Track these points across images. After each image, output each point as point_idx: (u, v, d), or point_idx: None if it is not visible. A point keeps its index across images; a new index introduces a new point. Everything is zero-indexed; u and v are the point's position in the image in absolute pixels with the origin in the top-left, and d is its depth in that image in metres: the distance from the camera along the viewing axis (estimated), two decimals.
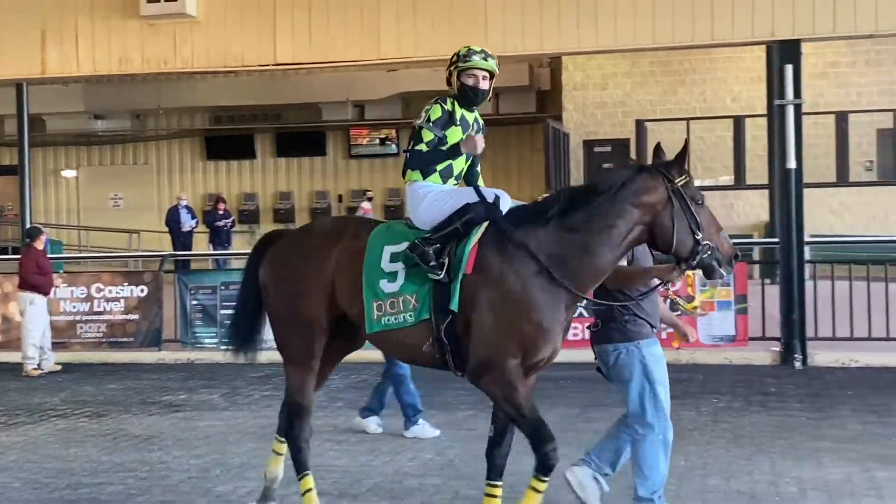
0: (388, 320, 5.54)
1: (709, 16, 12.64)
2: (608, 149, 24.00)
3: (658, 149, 5.54)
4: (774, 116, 12.69)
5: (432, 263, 5.42)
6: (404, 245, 5.58)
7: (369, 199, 24.72)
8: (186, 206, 21.88)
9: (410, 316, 5.51)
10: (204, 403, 10.65)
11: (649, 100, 23.67)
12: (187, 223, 21.29)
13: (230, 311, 13.48)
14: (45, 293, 13.45)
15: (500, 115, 26.73)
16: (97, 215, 28.50)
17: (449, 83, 6.11)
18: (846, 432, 8.50)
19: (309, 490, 6.11)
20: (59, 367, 13.32)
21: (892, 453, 7.68)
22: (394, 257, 5.59)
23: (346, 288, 5.66)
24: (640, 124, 21.18)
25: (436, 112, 5.97)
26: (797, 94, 12.44)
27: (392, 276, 5.56)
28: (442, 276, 5.39)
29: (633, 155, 22.68)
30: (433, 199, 5.72)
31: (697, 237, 5.27)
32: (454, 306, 5.37)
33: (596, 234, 5.31)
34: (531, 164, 26.57)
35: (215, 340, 13.97)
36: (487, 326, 5.35)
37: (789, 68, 12.45)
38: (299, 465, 6.09)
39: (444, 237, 5.50)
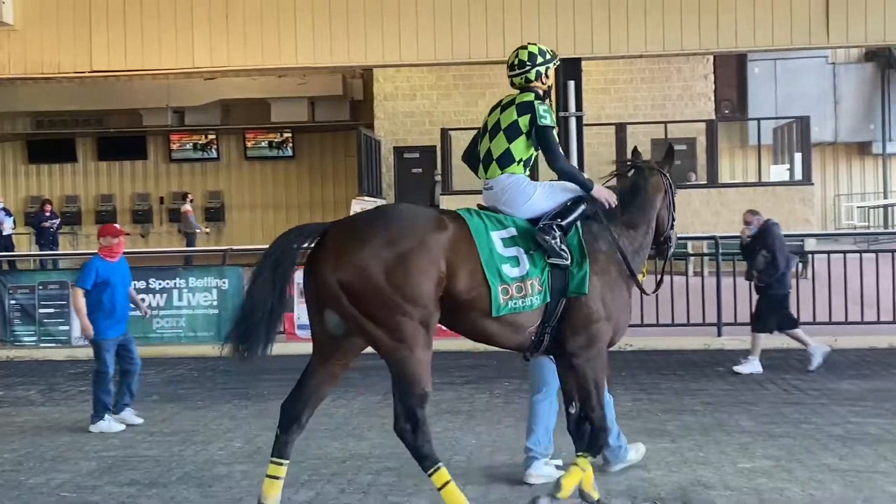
0: (516, 304, 5.41)
1: (501, 34, 12.94)
2: (416, 155, 24.36)
3: (636, 150, 6.26)
4: (560, 127, 13.09)
5: (561, 248, 5.47)
6: (512, 231, 5.52)
7: (190, 201, 24.25)
8: (4, 209, 20.83)
9: (536, 299, 5.46)
10: (21, 399, 10.18)
11: (454, 110, 24.11)
12: (6, 225, 20.27)
13: (64, 311, 13.07)
14: None
15: (315, 123, 26.69)
16: None
17: (535, 80, 5.93)
18: (618, 409, 8.76)
19: (448, 482, 5.36)
20: None
21: (657, 427, 8.03)
22: (506, 242, 5.47)
23: (463, 273, 5.30)
24: (444, 133, 21.43)
25: (551, 111, 5.95)
26: (578, 107, 12.91)
27: (514, 261, 5.43)
28: (566, 260, 5.49)
29: (439, 160, 22.99)
30: (546, 191, 5.75)
31: (674, 224, 6.08)
32: (585, 290, 5.52)
33: (643, 233, 5.93)
34: (345, 168, 26.64)
35: (34, 338, 13.39)
36: (595, 311, 5.57)
37: (571, 84, 12.91)
38: (430, 459, 5.32)
39: (566, 225, 5.57)
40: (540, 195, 5.71)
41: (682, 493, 6.19)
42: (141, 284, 13.20)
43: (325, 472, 6.84)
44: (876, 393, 9.32)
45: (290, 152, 27.46)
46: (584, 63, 13.46)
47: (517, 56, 5.97)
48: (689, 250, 17.72)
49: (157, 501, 6.27)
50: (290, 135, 27.27)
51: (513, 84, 5.99)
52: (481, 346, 12.30)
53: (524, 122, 5.74)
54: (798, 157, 20.83)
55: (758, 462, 6.87)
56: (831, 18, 12.44)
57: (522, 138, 5.75)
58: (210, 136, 27.53)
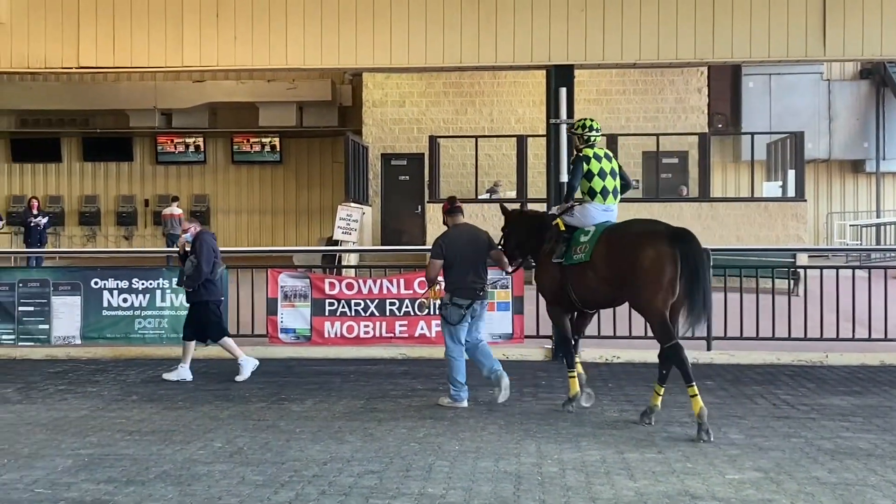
0: None
1: (493, 40, 12.93)
2: (404, 162, 24.36)
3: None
4: (551, 135, 13.05)
5: None
6: None
7: (178, 204, 24.18)
8: None
9: None
10: None
11: (442, 118, 24.13)
12: None
13: (44, 309, 12.95)
14: None
15: (304, 128, 26.68)
16: None
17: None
18: (604, 419, 8.82)
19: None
20: None
21: (642, 437, 8.01)
22: None
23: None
24: (433, 140, 21.46)
25: None
26: (570, 114, 12.88)
27: None
28: None
29: (426, 168, 22.98)
30: None
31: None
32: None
33: None
34: (332, 174, 26.64)
35: (12, 337, 13.26)
36: None
37: (563, 91, 12.89)
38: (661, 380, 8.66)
39: None
40: None
41: (669, 502, 6.16)
42: (124, 284, 13.14)
43: (306, 474, 6.78)
44: (866, 409, 9.31)
45: (277, 157, 27.43)
46: (576, 73, 13.44)
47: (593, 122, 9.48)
48: None
49: (135, 498, 6.21)
50: (277, 139, 27.25)
51: (591, 141, 9.34)
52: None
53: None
54: (791, 173, 20.87)
55: (746, 474, 6.85)
56: (828, 32, 12.48)
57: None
58: (197, 139, 27.47)
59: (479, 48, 12.93)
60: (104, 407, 9.40)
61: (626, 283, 8.40)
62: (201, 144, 27.52)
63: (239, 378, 10.93)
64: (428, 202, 21.60)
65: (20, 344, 13.26)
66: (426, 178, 23.04)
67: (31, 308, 13.20)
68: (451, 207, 9.67)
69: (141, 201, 27.76)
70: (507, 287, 12.76)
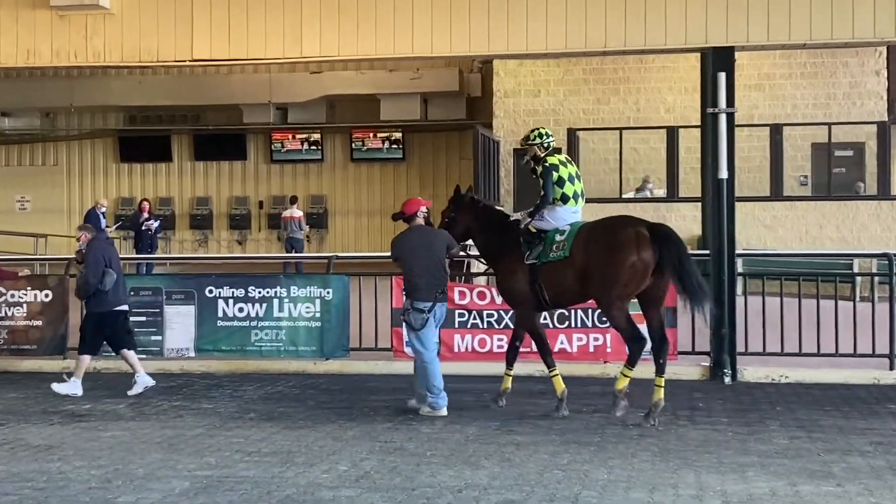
0: None
1: (642, 21, 12.79)
2: None
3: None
4: (707, 126, 12.86)
5: None
6: None
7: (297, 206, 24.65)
8: (103, 213, 21.62)
9: None
10: (109, 413, 10.48)
11: (582, 108, 23.97)
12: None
13: (157, 320, 13.41)
14: None
15: (428, 121, 26.91)
16: (1, 218, 27.95)
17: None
18: (773, 447, 8.64)
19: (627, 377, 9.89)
20: None
21: (818, 468, 7.82)
22: None
23: None
24: (572, 133, 21.40)
25: None
26: (730, 102, 12.62)
27: None
28: None
29: None
30: None
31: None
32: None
33: None
34: (459, 171, 26.74)
35: None
36: None
37: (722, 76, 12.64)
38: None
39: None
40: None
41: None
42: (239, 293, 13.48)
43: (439, 502, 6.84)
44: None
45: (399, 153, 27.72)
46: (736, 56, 13.19)
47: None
48: (857, 270, 17.24)
49: None
50: (400, 134, 27.54)
51: (550, 148, 10.41)
52: (609, 372, 12.29)
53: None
54: None
55: None
56: None
57: None
58: (314, 135, 27.96)
59: (625, 30, 12.81)
60: (221, 425, 9.67)
61: (596, 276, 9.72)
62: (318, 140, 28.04)
63: (130, 392, 11.47)
64: None
65: None
66: None
67: (144, 318, 13.66)
68: (407, 216, 10.46)
69: (255, 203, 28.45)
70: None
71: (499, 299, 12.91)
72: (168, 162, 28.83)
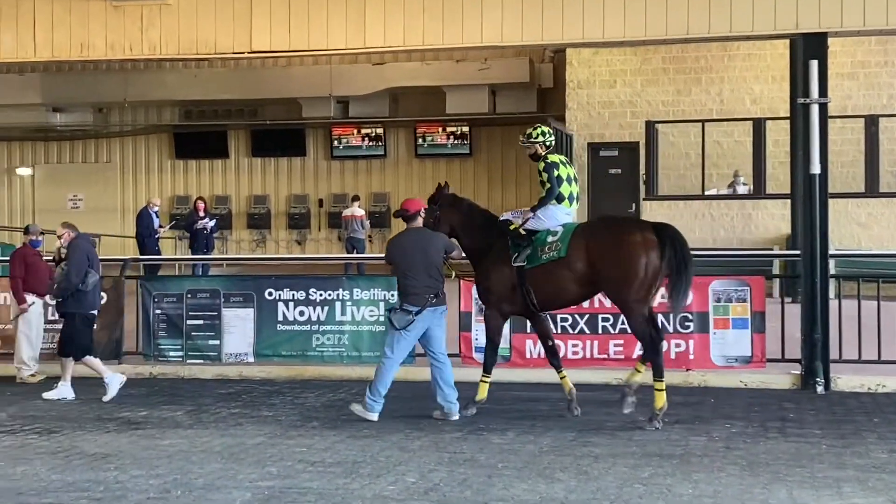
0: None
1: (727, 6, 12.67)
2: (615, 152, 24.04)
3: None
4: (798, 117, 12.72)
5: None
6: None
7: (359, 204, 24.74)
8: (156, 212, 21.91)
9: None
10: (166, 420, 10.62)
11: (661, 100, 23.73)
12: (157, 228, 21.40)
13: (214, 323, 13.61)
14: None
15: (497, 114, 26.86)
16: (54, 217, 28.35)
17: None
18: (870, 461, 8.51)
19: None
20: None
21: None
22: None
23: None
24: (650, 126, 21.25)
25: None
26: (823, 92, 12.45)
27: None
28: None
29: (642, 159, 22.77)
30: None
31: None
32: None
33: None
34: (529, 167, 26.48)
35: (180, 353, 13.93)
36: None
37: (814, 64, 12.47)
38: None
39: None
40: None
41: None
42: (300, 295, 13.57)
43: None
44: None
45: (466, 148, 27.73)
46: (828, 43, 13.02)
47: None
48: None
49: None
50: (467, 128, 27.55)
51: (551, 147, 10.71)
52: (692, 380, 12.18)
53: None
54: None
55: None
56: None
57: None
58: (377, 129, 28.06)
59: (709, 15, 12.70)
60: (282, 434, 9.75)
61: (606, 277, 10.02)
62: (381, 135, 28.13)
63: (106, 398, 11.74)
64: (644, 199, 21.40)
65: (188, 361, 13.92)
66: (642, 171, 22.81)
67: (201, 322, 13.83)
68: (408, 215, 10.71)
69: (315, 201, 28.62)
70: (744, 301, 12.49)
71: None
72: (224, 158, 29.11)
